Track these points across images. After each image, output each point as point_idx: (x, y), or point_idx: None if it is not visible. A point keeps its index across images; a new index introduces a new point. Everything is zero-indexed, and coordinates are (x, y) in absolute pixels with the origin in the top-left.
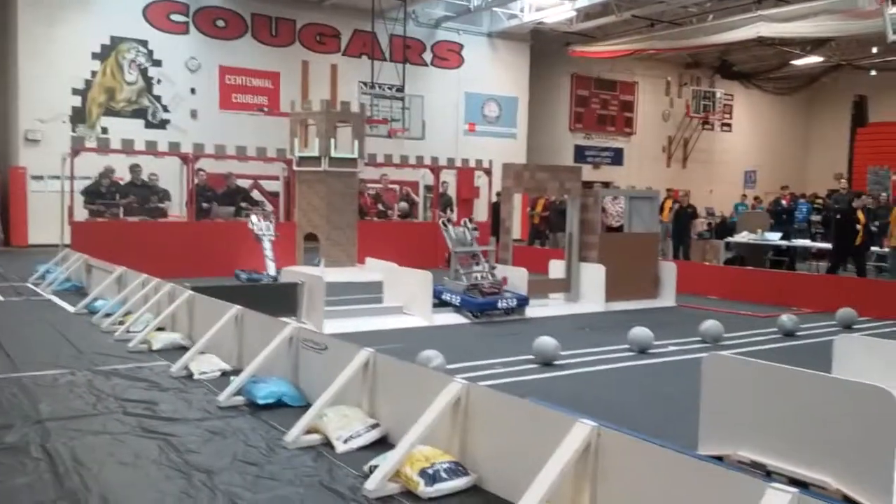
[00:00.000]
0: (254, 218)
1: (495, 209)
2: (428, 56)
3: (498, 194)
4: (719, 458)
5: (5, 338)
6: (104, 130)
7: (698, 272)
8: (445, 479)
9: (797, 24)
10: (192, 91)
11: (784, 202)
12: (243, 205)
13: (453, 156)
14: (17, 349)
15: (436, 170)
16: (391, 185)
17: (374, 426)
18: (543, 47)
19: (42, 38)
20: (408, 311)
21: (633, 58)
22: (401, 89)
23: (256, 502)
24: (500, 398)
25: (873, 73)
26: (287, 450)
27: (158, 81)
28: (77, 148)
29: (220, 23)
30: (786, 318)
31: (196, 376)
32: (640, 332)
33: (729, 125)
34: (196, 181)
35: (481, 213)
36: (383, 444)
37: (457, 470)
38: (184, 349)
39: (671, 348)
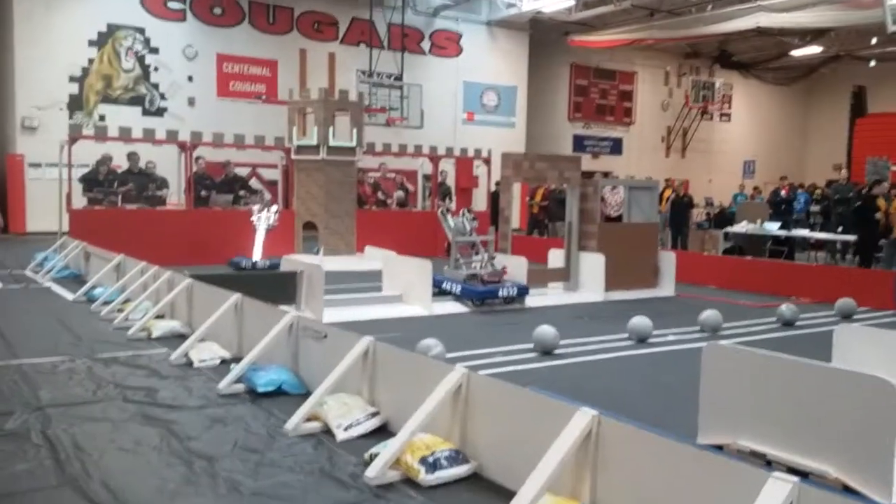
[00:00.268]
0: (255, 208)
1: (494, 199)
2: (426, 45)
3: (497, 184)
4: (719, 448)
5: (5, 325)
6: (101, 118)
7: (697, 262)
8: (446, 467)
9: (796, 14)
10: (190, 79)
11: (783, 192)
12: (241, 193)
13: (452, 145)
14: (17, 336)
15: (434, 159)
16: (389, 174)
17: (375, 414)
18: (542, 36)
19: (39, 26)
20: (407, 300)
21: (633, 47)
22: (399, 78)
23: (257, 489)
24: (500, 387)
25: (872, 63)
26: (287, 437)
27: (156, 69)
28: (74, 135)
29: (218, 10)
30: (785, 308)
31: (196, 364)
32: (640, 321)
33: (728, 115)
34: (195, 169)
35: (480, 202)
36: (383, 432)
37: (457, 458)
38: (183, 337)
39: (671, 338)
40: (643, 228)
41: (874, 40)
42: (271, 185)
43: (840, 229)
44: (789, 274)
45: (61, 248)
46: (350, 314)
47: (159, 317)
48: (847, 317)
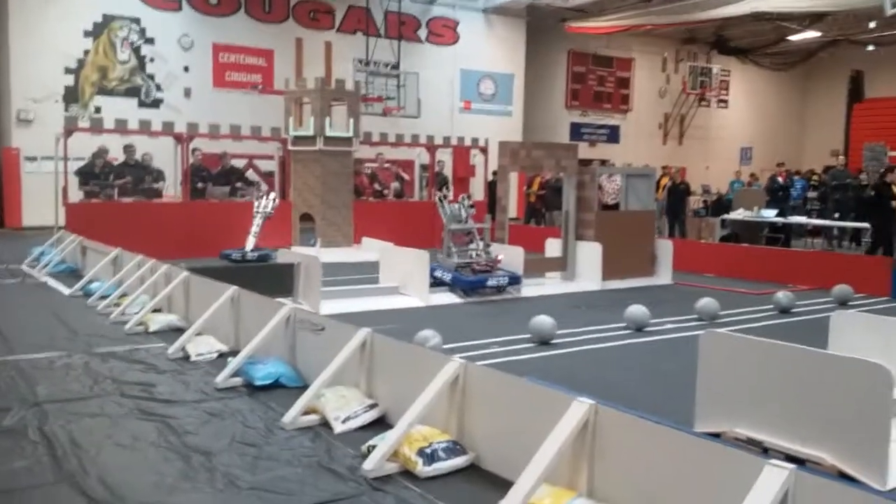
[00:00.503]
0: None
1: (491, 188)
2: (423, 32)
3: (494, 173)
4: (716, 435)
5: (1, 321)
6: (97, 110)
7: (694, 250)
8: (443, 459)
9: None
10: (186, 69)
11: (780, 179)
12: (238, 185)
13: (449, 134)
14: (13, 332)
15: (431, 148)
16: (387, 165)
17: (372, 406)
18: (539, 23)
19: (34, 17)
20: (404, 291)
21: (630, 33)
22: (396, 66)
23: (255, 483)
24: (497, 377)
25: (870, 48)
26: (285, 430)
27: (151, 60)
28: (70, 128)
29: None
30: (782, 295)
31: (193, 358)
32: (637, 310)
33: (725, 101)
34: (191, 161)
35: (477, 191)
36: (381, 424)
37: (455, 449)
38: (180, 331)
39: (668, 326)
40: (640, 216)
41: (872, 24)
42: (268, 176)
43: (837, 215)
44: (786, 261)
45: (58, 243)
46: (347, 306)
47: (156, 310)
48: (843, 303)
